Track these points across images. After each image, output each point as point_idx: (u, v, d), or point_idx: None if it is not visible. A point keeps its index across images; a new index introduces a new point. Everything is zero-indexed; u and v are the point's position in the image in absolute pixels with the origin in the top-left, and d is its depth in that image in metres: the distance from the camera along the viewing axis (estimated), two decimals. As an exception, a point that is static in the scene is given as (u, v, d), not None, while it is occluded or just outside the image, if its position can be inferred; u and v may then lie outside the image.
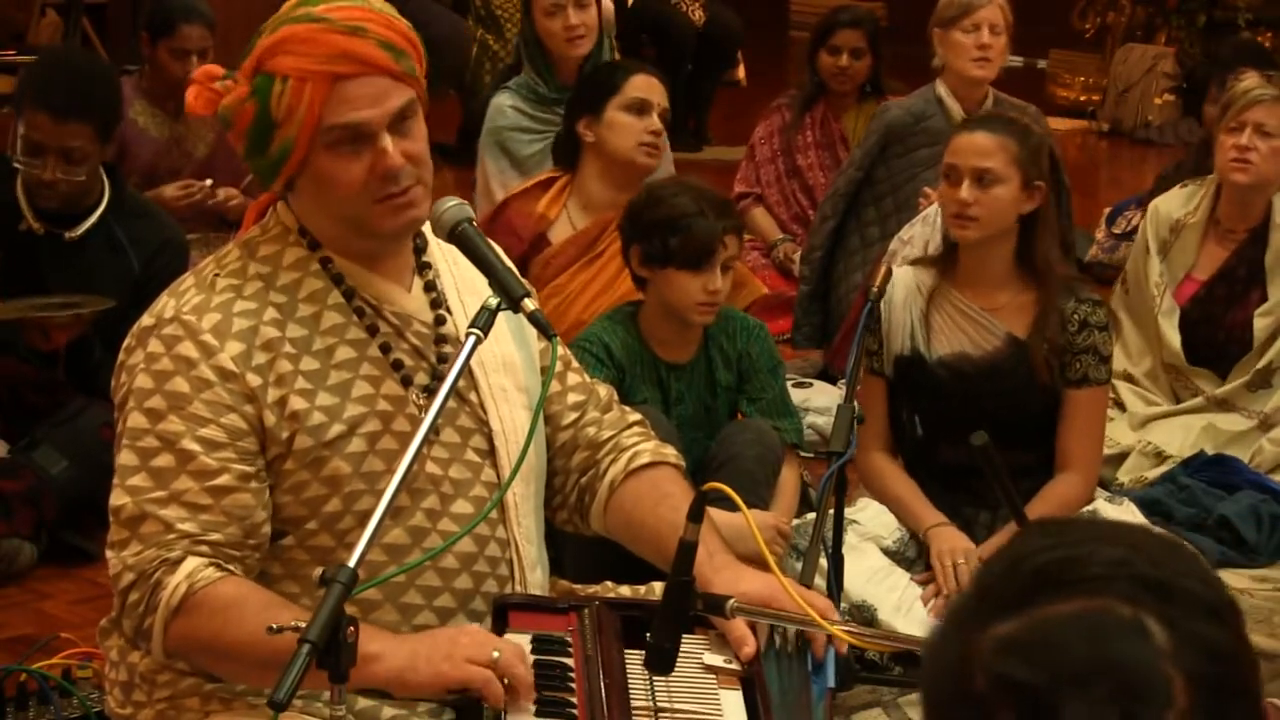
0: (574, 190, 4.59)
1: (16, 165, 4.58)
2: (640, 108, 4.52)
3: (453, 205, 2.51)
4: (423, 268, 2.71)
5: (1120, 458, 4.80)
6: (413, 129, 2.54)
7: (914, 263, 4.36)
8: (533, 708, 2.38)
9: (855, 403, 3.60)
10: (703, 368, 4.09)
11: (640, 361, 4.03)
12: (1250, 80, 4.91)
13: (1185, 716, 1.19)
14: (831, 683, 2.52)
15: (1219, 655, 1.23)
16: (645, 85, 4.56)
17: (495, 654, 2.37)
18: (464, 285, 2.72)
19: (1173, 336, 4.94)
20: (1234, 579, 4.34)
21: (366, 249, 2.61)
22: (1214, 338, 4.95)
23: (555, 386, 2.84)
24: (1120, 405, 4.98)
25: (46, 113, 4.53)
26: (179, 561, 2.46)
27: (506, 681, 2.38)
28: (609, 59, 5.54)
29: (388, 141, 2.49)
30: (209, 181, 5.96)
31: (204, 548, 2.47)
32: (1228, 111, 4.87)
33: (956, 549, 3.97)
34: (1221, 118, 4.91)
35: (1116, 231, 6.60)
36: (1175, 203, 5.06)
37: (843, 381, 5.46)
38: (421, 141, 2.55)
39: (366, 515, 2.27)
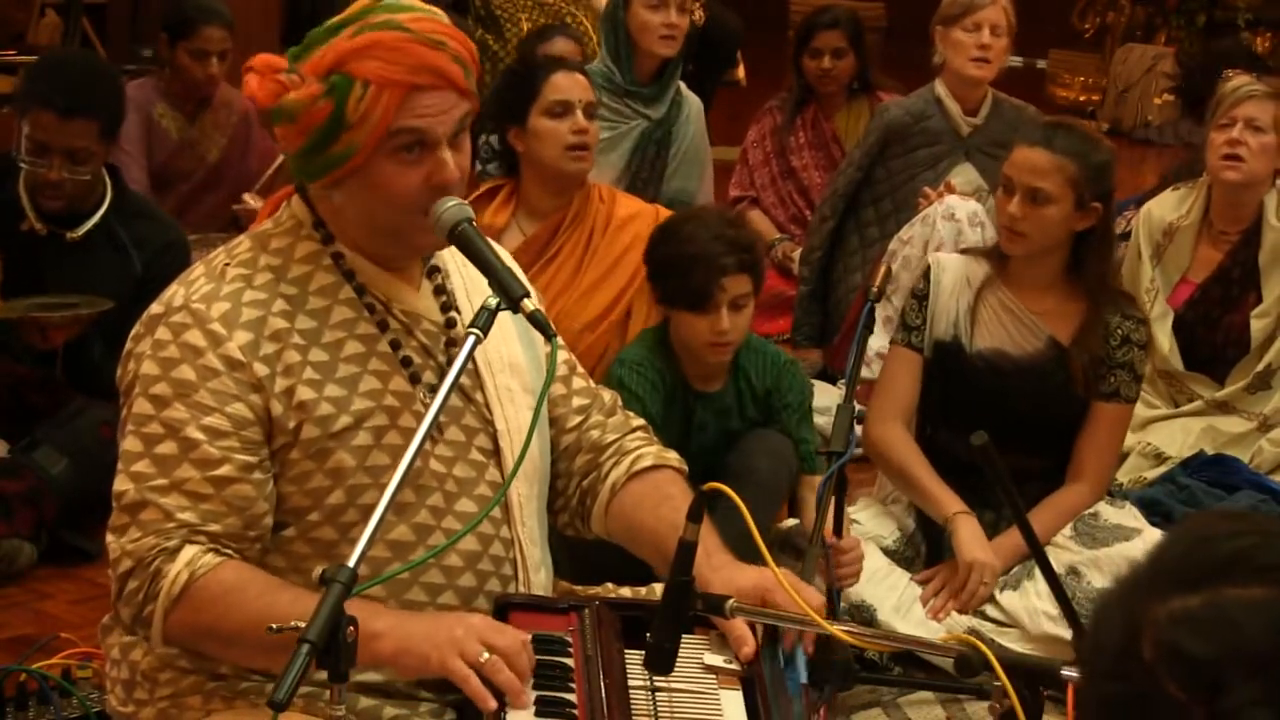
0: (519, 198, 4.51)
1: (22, 164, 4.59)
2: (562, 110, 4.36)
3: (452, 205, 2.51)
4: (432, 270, 2.71)
5: (1119, 459, 4.80)
6: (464, 142, 2.56)
7: (965, 251, 4.38)
8: (533, 708, 2.39)
9: (855, 403, 3.60)
10: (731, 399, 4.07)
11: (669, 386, 4.00)
12: (1240, 79, 4.90)
13: None
14: (804, 678, 2.52)
15: None
16: (564, 85, 4.40)
17: (484, 655, 2.36)
18: (473, 287, 2.73)
19: (1163, 341, 4.94)
20: (1234, 579, 4.34)
21: (385, 251, 2.62)
22: (1211, 340, 4.95)
23: (560, 389, 2.85)
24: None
25: (51, 112, 4.53)
26: (177, 550, 2.47)
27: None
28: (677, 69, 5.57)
29: (448, 154, 2.51)
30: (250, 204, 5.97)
31: (202, 537, 2.48)
32: (1219, 106, 4.86)
33: (984, 566, 3.95)
34: (1214, 111, 4.90)
35: (1116, 231, 6.60)
36: (1167, 206, 5.06)
37: (842, 381, 5.47)
38: (468, 156, 2.58)
39: (370, 509, 2.27)
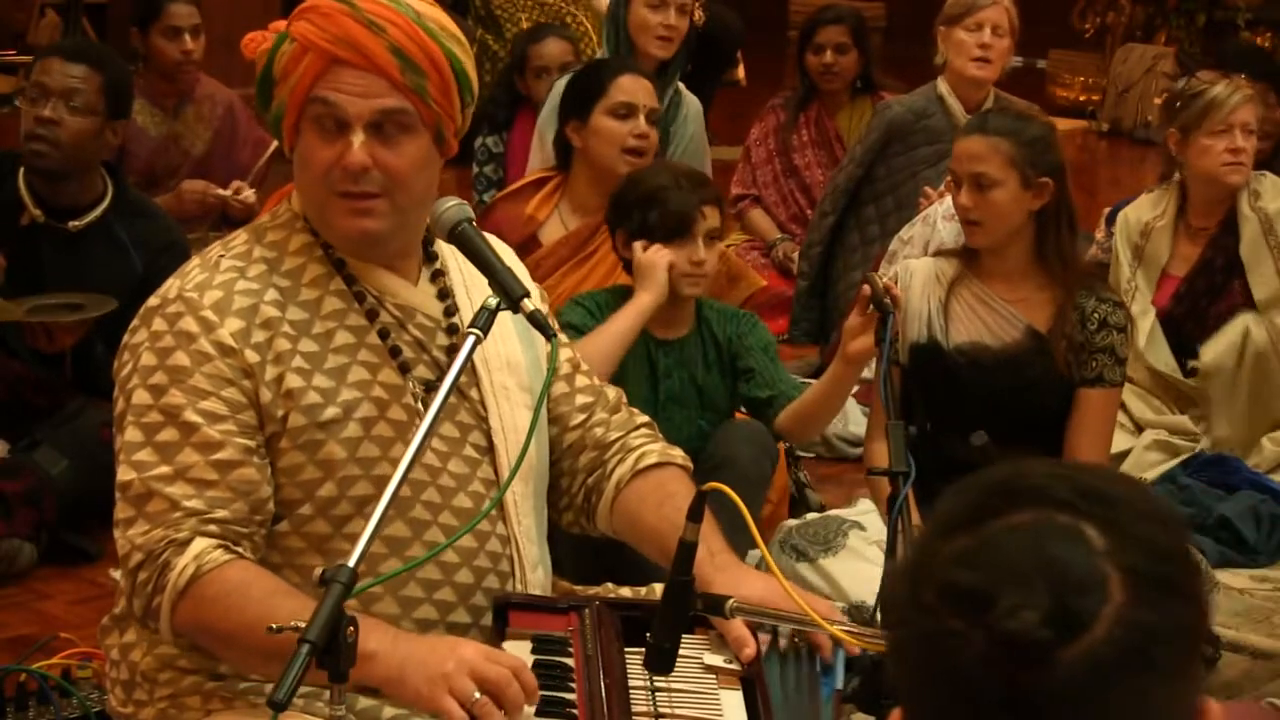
0: (566, 192, 4.56)
1: (18, 104, 4.67)
2: (625, 111, 4.44)
3: (452, 205, 2.51)
4: (436, 275, 2.71)
5: (1120, 457, 4.80)
6: (399, 141, 2.54)
7: (937, 253, 4.37)
8: (533, 707, 2.38)
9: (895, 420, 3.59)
10: (695, 347, 4.08)
11: None
12: (1222, 87, 4.91)
13: (1123, 609, 1.26)
14: (839, 684, 2.52)
15: (1157, 553, 1.29)
16: (630, 87, 4.48)
17: (476, 695, 2.33)
18: (473, 285, 2.72)
19: (1141, 339, 4.94)
20: (1234, 579, 4.34)
21: (333, 239, 2.62)
22: (1199, 333, 4.95)
23: (563, 388, 2.85)
24: (1120, 405, 4.98)
25: (58, 56, 4.66)
26: (187, 542, 2.46)
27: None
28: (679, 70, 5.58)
29: (358, 139, 2.51)
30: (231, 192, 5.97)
31: (212, 526, 2.48)
32: (1208, 116, 4.87)
33: None
34: (1201, 118, 4.89)
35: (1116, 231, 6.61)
36: (1143, 208, 5.12)
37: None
38: (405, 159, 2.54)
39: (362, 502, 2.27)
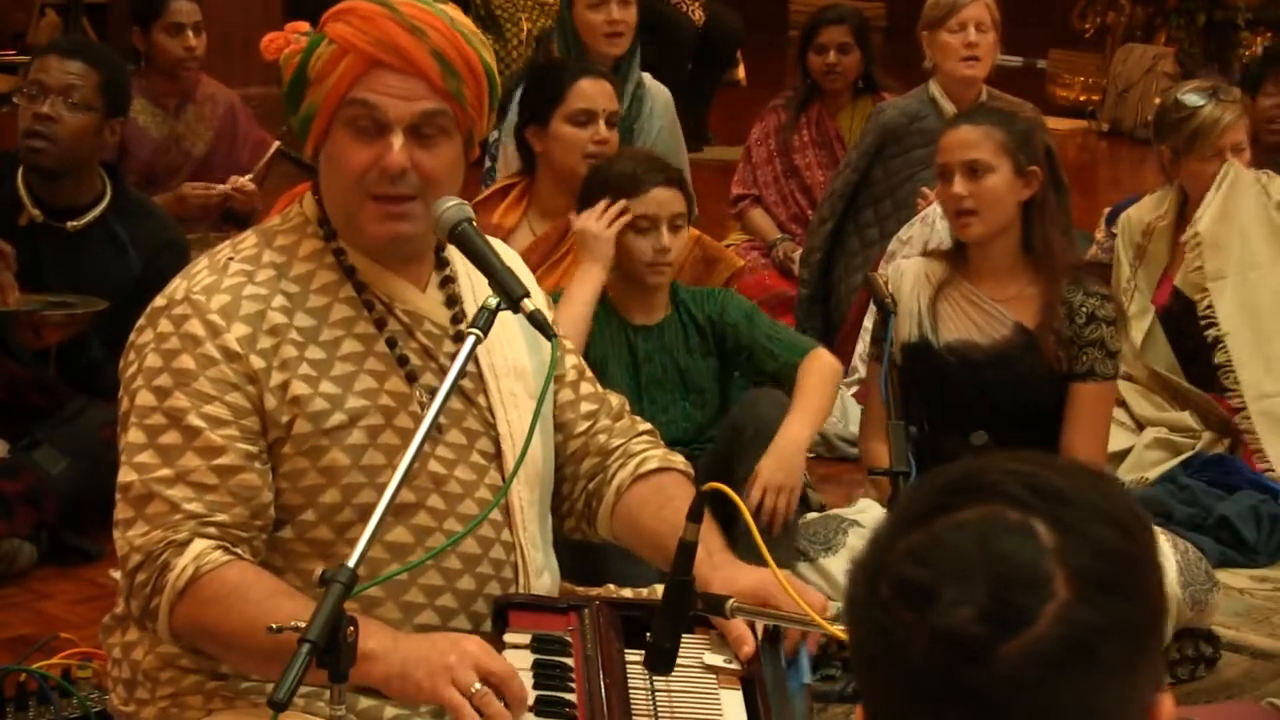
0: (533, 197, 4.55)
1: (15, 101, 4.67)
2: (585, 118, 4.43)
3: (452, 205, 2.51)
4: (445, 281, 2.71)
5: (1120, 455, 4.81)
6: (436, 144, 2.54)
7: (925, 254, 4.37)
8: (532, 707, 2.38)
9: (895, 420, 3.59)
10: (675, 331, 4.10)
11: (607, 323, 4.05)
12: (1210, 108, 4.90)
13: (1067, 607, 1.27)
14: (806, 678, 2.53)
15: (1106, 553, 1.30)
16: (590, 92, 4.46)
17: (477, 686, 2.33)
18: (480, 291, 2.71)
19: (1136, 337, 4.96)
20: (1234, 579, 4.35)
21: (359, 243, 2.62)
22: (1197, 329, 4.96)
23: (569, 395, 2.84)
24: (1121, 403, 4.98)
25: (55, 53, 4.68)
26: (186, 543, 2.46)
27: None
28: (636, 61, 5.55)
29: (398, 140, 2.51)
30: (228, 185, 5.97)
31: (211, 529, 2.48)
32: (1197, 142, 4.87)
33: None
34: (1191, 143, 4.89)
35: (1116, 231, 6.60)
36: (1145, 209, 5.15)
37: (844, 382, 5.47)
38: (441, 161, 2.55)
39: (367, 509, 2.26)
